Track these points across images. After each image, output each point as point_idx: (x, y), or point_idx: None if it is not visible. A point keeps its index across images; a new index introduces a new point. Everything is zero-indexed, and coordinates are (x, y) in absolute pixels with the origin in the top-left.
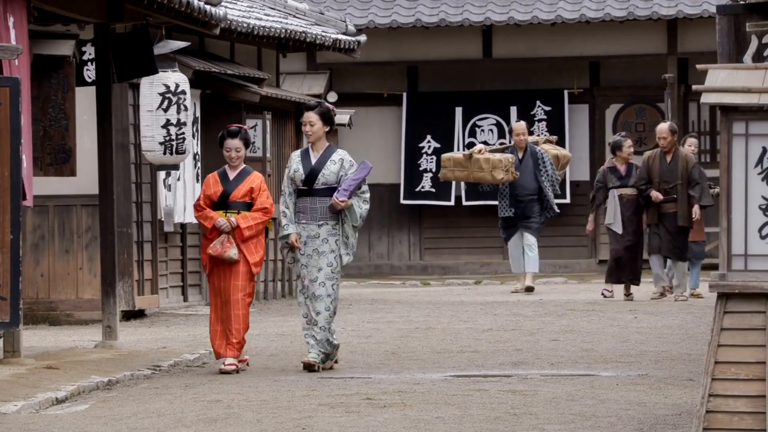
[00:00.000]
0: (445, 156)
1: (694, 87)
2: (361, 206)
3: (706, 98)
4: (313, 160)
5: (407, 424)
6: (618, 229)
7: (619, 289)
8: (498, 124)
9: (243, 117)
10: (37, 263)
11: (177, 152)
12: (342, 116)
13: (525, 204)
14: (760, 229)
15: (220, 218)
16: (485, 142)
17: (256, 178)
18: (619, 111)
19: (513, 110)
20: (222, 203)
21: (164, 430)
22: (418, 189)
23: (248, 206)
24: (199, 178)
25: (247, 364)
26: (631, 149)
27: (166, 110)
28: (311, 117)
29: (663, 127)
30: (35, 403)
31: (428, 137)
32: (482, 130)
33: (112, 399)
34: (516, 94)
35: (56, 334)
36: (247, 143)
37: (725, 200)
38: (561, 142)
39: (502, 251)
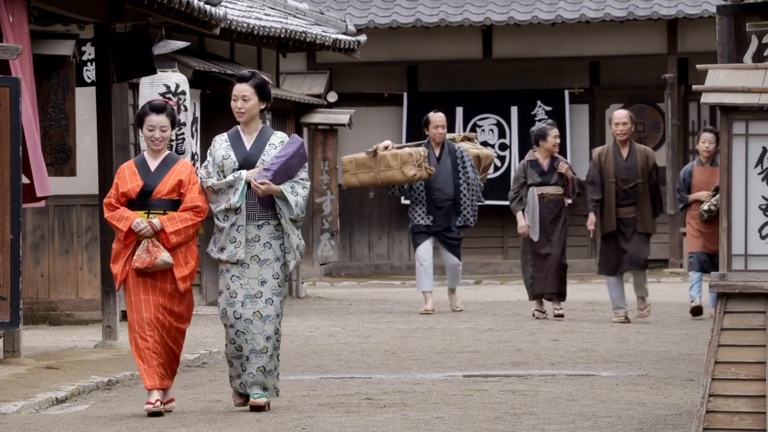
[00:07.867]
0: (345, 158)
1: (694, 87)
2: (297, 192)
3: (706, 98)
4: (248, 145)
5: (407, 424)
6: (534, 235)
7: (548, 306)
8: (498, 124)
9: None
10: (37, 263)
11: (176, 152)
12: (342, 116)
13: (445, 210)
14: (760, 229)
15: (138, 218)
16: (485, 142)
17: (184, 168)
18: None
19: (514, 110)
20: (142, 202)
21: (164, 430)
22: None
23: (176, 205)
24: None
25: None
26: (557, 140)
27: None
28: (245, 90)
29: (621, 113)
30: (35, 403)
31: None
32: (483, 130)
33: (112, 399)
34: (517, 94)
35: (56, 334)
36: (173, 123)
37: (725, 200)
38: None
39: (501, 251)
